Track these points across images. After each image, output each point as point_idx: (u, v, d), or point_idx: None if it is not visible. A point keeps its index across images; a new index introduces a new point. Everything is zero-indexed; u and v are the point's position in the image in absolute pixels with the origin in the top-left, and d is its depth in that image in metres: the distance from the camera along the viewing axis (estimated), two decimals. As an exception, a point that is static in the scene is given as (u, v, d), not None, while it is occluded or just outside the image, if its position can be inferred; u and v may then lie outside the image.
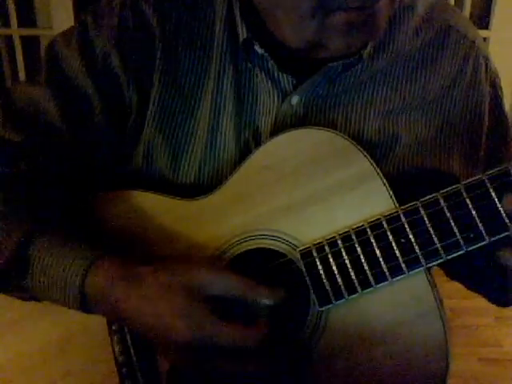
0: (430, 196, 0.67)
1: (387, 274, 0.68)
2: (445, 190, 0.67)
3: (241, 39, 0.75)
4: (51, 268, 0.70)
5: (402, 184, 0.76)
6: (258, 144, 0.77)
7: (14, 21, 2.22)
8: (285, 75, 0.76)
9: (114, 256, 0.71)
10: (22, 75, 2.28)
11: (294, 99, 0.77)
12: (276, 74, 0.76)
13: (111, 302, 0.68)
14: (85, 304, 0.70)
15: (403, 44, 0.79)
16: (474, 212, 0.65)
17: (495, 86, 0.84)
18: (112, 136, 0.80)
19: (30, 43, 2.29)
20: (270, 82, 0.77)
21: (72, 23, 2.14)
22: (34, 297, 0.74)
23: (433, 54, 0.80)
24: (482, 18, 2.29)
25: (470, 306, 2.31)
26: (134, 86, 0.78)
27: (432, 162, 0.81)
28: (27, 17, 2.27)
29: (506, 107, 0.87)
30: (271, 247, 0.73)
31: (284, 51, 0.74)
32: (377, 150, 0.79)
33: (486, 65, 0.83)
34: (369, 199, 0.70)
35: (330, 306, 0.70)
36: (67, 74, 0.79)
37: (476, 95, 0.81)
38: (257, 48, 0.75)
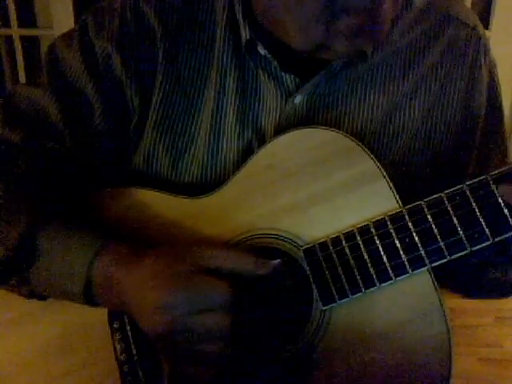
0: (434, 196, 0.67)
1: (391, 273, 0.68)
2: (449, 190, 0.67)
3: (243, 40, 0.75)
4: (57, 256, 0.70)
5: (403, 179, 0.76)
6: (260, 144, 0.77)
7: (14, 21, 2.22)
8: (287, 75, 0.76)
9: (121, 241, 0.71)
10: (22, 75, 2.28)
11: (297, 98, 0.77)
12: (279, 74, 0.76)
13: (115, 284, 0.68)
14: (89, 290, 0.70)
15: (401, 35, 0.79)
16: (478, 212, 0.65)
17: (493, 76, 0.85)
18: (112, 137, 0.80)
19: (30, 43, 2.29)
20: (273, 82, 0.77)
21: (72, 23, 2.14)
22: (34, 292, 0.74)
23: (431, 44, 0.80)
24: (482, 18, 2.29)
25: (469, 306, 2.31)
26: (135, 87, 0.78)
27: (433, 152, 0.81)
28: (27, 17, 2.27)
29: (506, 107, 0.87)
30: (274, 246, 0.73)
31: (287, 51, 0.74)
32: (380, 143, 0.79)
33: (485, 54, 0.83)
34: (373, 199, 0.70)
35: (334, 304, 0.70)
36: (68, 76, 0.79)
37: (475, 84, 0.82)
38: (260, 49, 0.75)
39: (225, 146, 0.79)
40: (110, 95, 0.78)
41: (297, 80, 0.76)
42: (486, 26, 2.28)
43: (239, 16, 0.76)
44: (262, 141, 0.78)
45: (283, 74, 0.76)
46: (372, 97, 0.79)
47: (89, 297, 0.70)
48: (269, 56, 0.75)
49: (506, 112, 0.88)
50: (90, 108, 0.79)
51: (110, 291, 0.69)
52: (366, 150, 0.71)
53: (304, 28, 0.68)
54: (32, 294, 0.74)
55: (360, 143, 0.71)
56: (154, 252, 0.69)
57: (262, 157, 0.75)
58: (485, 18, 2.28)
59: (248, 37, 0.75)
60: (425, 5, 0.81)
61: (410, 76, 0.79)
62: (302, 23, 0.67)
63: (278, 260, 0.68)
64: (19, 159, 0.77)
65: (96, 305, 0.71)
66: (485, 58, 0.83)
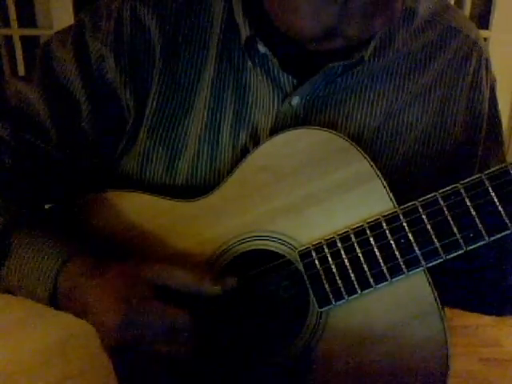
0: (429, 195, 0.67)
1: (387, 274, 0.67)
2: (444, 190, 0.67)
3: (244, 37, 0.75)
4: (27, 261, 0.71)
5: (401, 183, 0.76)
6: (255, 145, 0.77)
7: (14, 21, 2.22)
8: (285, 75, 0.75)
9: (88, 253, 0.72)
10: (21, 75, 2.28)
11: (295, 100, 0.77)
12: (277, 74, 0.76)
13: (78, 295, 0.70)
14: (54, 297, 0.71)
15: (404, 44, 0.79)
16: (473, 211, 0.65)
17: (493, 90, 0.85)
18: (100, 140, 0.80)
19: (30, 43, 2.29)
20: (270, 83, 0.77)
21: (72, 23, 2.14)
22: (8, 289, 0.75)
23: (434, 54, 0.80)
24: (482, 18, 2.29)
25: (470, 306, 2.31)
26: (130, 89, 0.78)
27: (431, 160, 0.81)
28: (27, 17, 2.27)
29: (506, 108, 0.87)
30: (270, 248, 0.73)
31: (288, 48, 0.74)
32: (377, 149, 0.79)
33: (487, 67, 0.83)
34: (368, 199, 0.70)
35: (330, 306, 0.70)
36: (59, 76, 0.79)
37: (477, 96, 0.82)
38: (259, 46, 0.74)
39: (219, 147, 0.78)
40: (100, 97, 0.78)
41: (294, 81, 0.76)
42: (486, 26, 2.28)
43: (239, 14, 0.75)
44: (257, 141, 0.78)
45: (281, 73, 0.75)
46: (371, 102, 0.78)
47: (54, 302, 0.72)
48: (269, 54, 0.74)
49: (507, 113, 0.88)
50: (77, 109, 0.79)
51: (74, 301, 0.70)
52: (360, 150, 0.71)
53: (317, 10, 0.66)
54: (7, 291, 0.75)
55: (354, 144, 0.71)
56: (117, 267, 0.70)
57: (257, 158, 0.75)
58: (485, 18, 2.28)
59: (248, 34, 0.74)
60: (428, 16, 0.81)
61: (411, 85, 0.79)
62: (316, 4, 0.66)
63: (233, 279, 0.70)
64: (6, 154, 0.78)
65: (61, 310, 0.72)
66: (486, 73, 0.83)
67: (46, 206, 0.84)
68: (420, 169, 0.80)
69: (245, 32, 0.74)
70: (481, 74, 0.82)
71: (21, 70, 2.28)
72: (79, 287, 0.70)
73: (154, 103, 0.78)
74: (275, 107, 0.77)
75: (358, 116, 0.78)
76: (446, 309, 0.69)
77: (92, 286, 0.69)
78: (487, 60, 0.84)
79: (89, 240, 0.77)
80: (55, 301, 0.71)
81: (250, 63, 0.77)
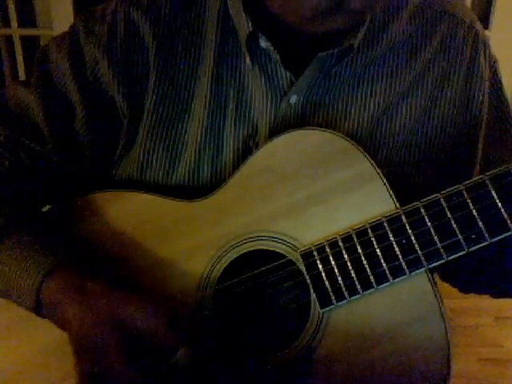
0: (431, 196, 0.67)
1: (388, 274, 0.67)
2: (446, 191, 0.67)
3: (245, 33, 0.73)
4: (10, 271, 0.71)
5: (403, 179, 0.75)
6: (256, 144, 0.77)
7: (14, 21, 2.22)
8: (284, 72, 0.75)
9: (71, 266, 0.72)
10: (21, 75, 2.28)
11: (293, 99, 0.76)
12: (275, 73, 0.76)
13: (59, 310, 0.69)
14: (39, 308, 0.71)
15: (397, 33, 0.79)
16: (475, 212, 0.65)
17: (495, 71, 0.84)
18: (95, 144, 0.80)
19: (30, 43, 2.29)
20: (268, 82, 0.76)
21: (72, 23, 2.14)
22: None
23: (427, 41, 0.79)
24: (482, 18, 2.29)
25: (469, 306, 2.31)
26: (124, 92, 0.78)
27: (431, 153, 0.80)
28: (27, 17, 2.27)
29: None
30: (272, 248, 0.73)
31: (288, 42, 0.73)
32: (376, 142, 0.78)
33: (485, 49, 0.82)
34: (369, 200, 0.70)
35: (331, 307, 0.70)
36: (54, 80, 0.80)
37: (474, 82, 0.81)
38: (261, 41, 0.73)
39: (220, 147, 0.78)
40: (95, 100, 0.79)
41: (292, 78, 0.75)
42: (486, 25, 2.28)
43: (239, 11, 0.74)
44: (258, 141, 0.78)
45: (280, 70, 0.75)
46: (368, 96, 0.78)
47: (40, 313, 0.72)
48: (271, 48, 0.73)
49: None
50: (72, 111, 0.79)
51: (55, 315, 0.70)
52: (362, 150, 0.71)
53: None
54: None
55: (356, 144, 0.71)
56: (99, 290, 0.69)
57: (259, 159, 0.75)
58: (485, 18, 2.28)
59: (251, 29, 0.73)
60: (421, 2, 0.80)
61: (406, 74, 0.79)
62: None
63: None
64: (3, 157, 0.78)
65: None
66: (484, 55, 0.82)
67: (46, 208, 0.84)
68: (422, 164, 0.80)
69: (246, 28, 0.73)
70: (478, 59, 0.81)
71: (21, 70, 2.28)
72: (60, 304, 0.69)
73: (151, 105, 0.78)
74: (274, 107, 0.77)
75: (357, 110, 0.78)
76: (446, 309, 0.69)
77: (74, 304, 0.68)
78: (485, 43, 0.82)
79: (83, 243, 0.77)
80: (41, 312, 0.71)
81: (247, 62, 0.77)
